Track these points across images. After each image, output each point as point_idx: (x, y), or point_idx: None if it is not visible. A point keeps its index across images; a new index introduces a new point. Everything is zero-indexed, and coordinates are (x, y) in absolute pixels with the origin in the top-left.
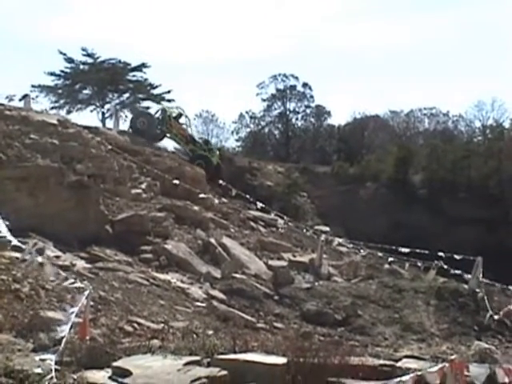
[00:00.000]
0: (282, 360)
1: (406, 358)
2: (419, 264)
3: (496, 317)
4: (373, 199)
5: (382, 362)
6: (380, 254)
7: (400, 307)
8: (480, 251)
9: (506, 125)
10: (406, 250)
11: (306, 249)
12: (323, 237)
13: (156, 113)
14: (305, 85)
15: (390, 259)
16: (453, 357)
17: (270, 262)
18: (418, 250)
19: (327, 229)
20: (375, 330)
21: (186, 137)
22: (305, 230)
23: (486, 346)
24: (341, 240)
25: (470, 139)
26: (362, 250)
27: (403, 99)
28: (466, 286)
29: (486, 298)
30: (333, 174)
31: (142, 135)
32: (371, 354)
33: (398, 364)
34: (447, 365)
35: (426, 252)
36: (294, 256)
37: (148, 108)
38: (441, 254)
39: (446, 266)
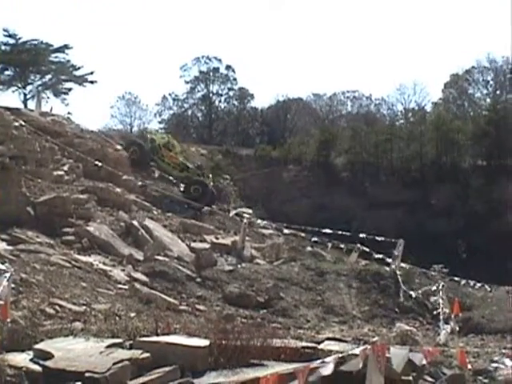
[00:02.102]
0: (204, 342)
1: (327, 341)
2: (341, 246)
3: (413, 294)
4: (295, 182)
5: (304, 344)
6: (303, 236)
7: (322, 289)
8: (401, 234)
9: (428, 108)
10: (329, 232)
11: (228, 231)
12: (246, 219)
13: (147, 142)
14: (228, 67)
15: (313, 239)
16: (374, 339)
17: (193, 245)
18: (340, 233)
19: (250, 211)
20: (297, 313)
21: (178, 164)
22: (227, 213)
23: (407, 327)
24: (263, 222)
25: (392, 122)
26: (284, 232)
27: (326, 82)
28: (387, 268)
29: (404, 279)
30: (256, 156)
31: (136, 164)
32: (293, 336)
33: (320, 346)
34: (369, 347)
35: (348, 234)
36: (217, 238)
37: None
38: (363, 236)
39: (367, 249)
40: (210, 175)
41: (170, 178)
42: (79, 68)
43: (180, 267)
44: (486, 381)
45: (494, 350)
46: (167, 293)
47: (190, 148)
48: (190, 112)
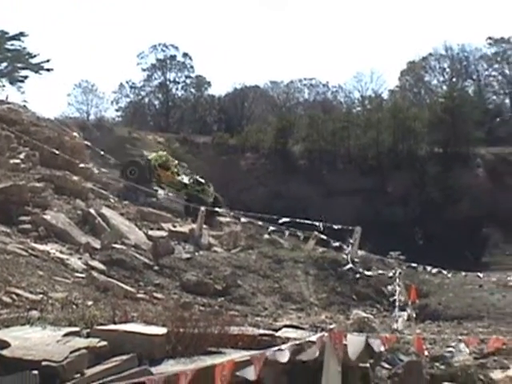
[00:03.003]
0: (161, 330)
1: (285, 328)
2: (299, 234)
3: (363, 271)
4: (253, 169)
5: (261, 331)
6: (260, 224)
7: (280, 277)
8: (358, 221)
9: (385, 96)
10: (286, 220)
11: (186, 219)
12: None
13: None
14: (185, 55)
15: (270, 229)
16: (331, 326)
17: (150, 233)
18: (297, 220)
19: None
20: (255, 300)
21: (176, 183)
22: (185, 200)
23: (364, 314)
24: (221, 210)
25: (349, 110)
26: (242, 220)
27: (283, 70)
28: (344, 256)
29: (356, 263)
30: (213, 144)
31: (134, 183)
32: (251, 324)
33: (278, 333)
34: (326, 334)
35: (306, 222)
36: (174, 226)
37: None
38: (320, 223)
39: (325, 236)
40: (211, 187)
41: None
42: (35, 56)
43: (137, 255)
44: (442, 367)
45: (450, 337)
46: (124, 281)
47: (147, 136)
48: (147, 100)
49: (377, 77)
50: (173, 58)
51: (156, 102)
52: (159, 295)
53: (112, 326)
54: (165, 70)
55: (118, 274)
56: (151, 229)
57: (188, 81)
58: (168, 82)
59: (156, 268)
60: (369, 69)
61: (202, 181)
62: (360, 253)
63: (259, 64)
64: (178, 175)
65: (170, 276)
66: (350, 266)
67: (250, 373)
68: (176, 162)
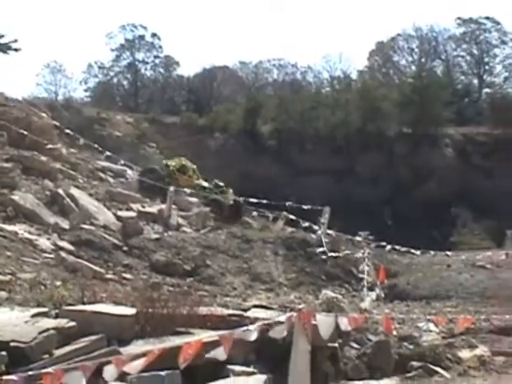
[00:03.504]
0: (130, 311)
1: (254, 308)
2: (268, 214)
3: (331, 254)
4: (222, 150)
5: (230, 311)
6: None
7: (249, 257)
8: (327, 201)
9: (354, 76)
10: (255, 201)
11: (155, 199)
12: (172, 188)
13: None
14: (154, 35)
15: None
16: (300, 306)
17: (119, 213)
18: (266, 201)
19: None
20: (224, 280)
21: (194, 187)
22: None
23: (333, 295)
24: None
25: (318, 90)
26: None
27: (252, 50)
28: (313, 236)
29: (325, 243)
30: (182, 124)
31: (151, 191)
32: (220, 304)
33: (247, 314)
34: (295, 314)
35: (275, 202)
36: (143, 207)
37: None
38: (289, 204)
39: (294, 216)
40: (231, 190)
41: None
42: (2, 36)
43: (106, 236)
44: (411, 347)
45: (419, 316)
46: (93, 261)
47: (115, 116)
48: (115, 80)
49: (345, 57)
50: (141, 38)
51: (125, 83)
52: (128, 276)
53: (81, 307)
54: (133, 50)
55: (87, 255)
56: (120, 209)
57: (157, 61)
58: (137, 63)
59: (125, 248)
60: (338, 49)
61: (221, 184)
62: (329, 232)
63: (228, 44)
64: (197, 179)
65: (138, 256)
66: (322, 249)
67: (220, 353)
68: (194, 166)
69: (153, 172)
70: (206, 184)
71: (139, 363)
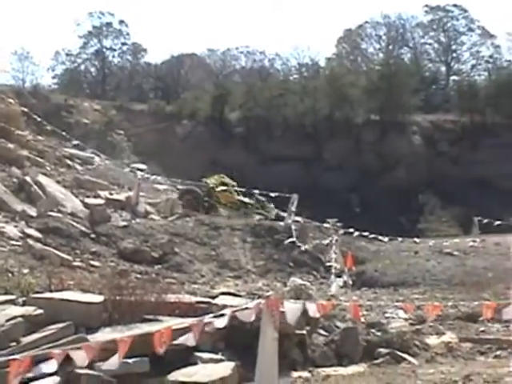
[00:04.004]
0: (98, 298)
1: (222, 295)
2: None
3: (307, 247)
4: (189, 137)
5: (198, 299)
6: (197, 191)
7: (217, 244)
8: (295, 189)
9: (322, 63)
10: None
11: (122, 187)
12: (140, 175)
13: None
14: (121, 22)
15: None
16: (268, 293)
17: (87, 200)
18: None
19: (144, 167)
20: (192, 268)
21: (235, 202)
22: (122, 168)
23: (301, 282)
24: (158, 178)
25: (286, 78)
26: (179, 187)
27: (220, 37)
28: (281, 223)
29: (293, 230)
30: (150, 111)
31: (192, 210)
32: (188, 292)
33: (215, 301)
34: (263, 301)
35: (243, 190)
36: (111, 194)
37: None
38: (257, 191)
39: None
40: (272, 204)
41: None
42: None
43: (74, 223)
44: (378, 333)
45: (386, 303)
46: (61, 249)
47: (83, 103)
48: (83, 67)
49: (314, 44)
50: (109, 24)
51: (92, 70)
52: (96, 263)
53: (48, 294)
54: (101, 38)
55: (55, 242)
56: (87, 196)
57: (124, 48)
58: (104, 50)
59: (92, 236)
60: (306, 36)
61: (262, 199)
62: (297, 220)
63: (196, 32)
64: (238, 195)
65: (106, 244)
66: (292, 239)
67: (190, 339)
68: (234, 183)
69: (191, 192)
70: (247, 200)
71: (115, 359)
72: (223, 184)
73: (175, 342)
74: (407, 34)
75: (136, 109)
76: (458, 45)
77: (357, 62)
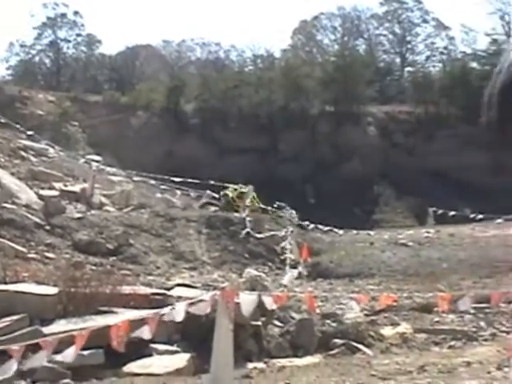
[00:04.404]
0: (53, 290)
1: (177, 287)
2: (191, 193)
3: (258, 235)
4: (145, 128)
5: (153, 290)
6: (152, 183)
7: (172, 236)
8: (251, 180)
9: (277, 55)
10: (178, 180)
11: (77, 178)
12: (95, 166)
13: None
14: (75, 13)
15: (163, 186)
16: (224, 285)
17: (41, 192)
18: (190, 180)
19: (99, 158)
20: (147, 259)
21: (256, 210)
22: (76, 160)
23: (257, 273)
24: (113, 169)
25: (242, 69)
26: (134, 179)
27: (175, 29)
28: (237, 215)
29: (248, 221)
30: (104, 103)
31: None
32: (143, 283)
33: (170, 292)
34: (218, 293)
35: (198, 181)
36: (66, 186)
37: None
38: (212, 182)
39: (217, 195)
40: (292, 211)
41: None
42: None
43: (28, 215)
44: (334, 324)
45: (341, 294)
46: (15, 241)
47: (37, 95)
48: (37, 58)
49: (269, 36)
50: (63, 15)
51: (47, 61)
52: (50, 255)
53: (2, 286)
54: (55, 29)
55: (9, 234)
56: (42, 188)
57: (79, 39)
58: (59, 41)
59: (47, 227)
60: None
61: (284, 205)
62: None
63: (151, 23)
64: (258, 203)
65: (61, 235)
66: (247, 230)
67: (146, 333)
68: (254, 194)
69: (210, 205)
70: (267, 209)
71: (70, 351)
72: (242, 194)
73: (131, 335)
74: (362, 25)
75: (91, 100)
76: (412, 36)
77: (312, 53)
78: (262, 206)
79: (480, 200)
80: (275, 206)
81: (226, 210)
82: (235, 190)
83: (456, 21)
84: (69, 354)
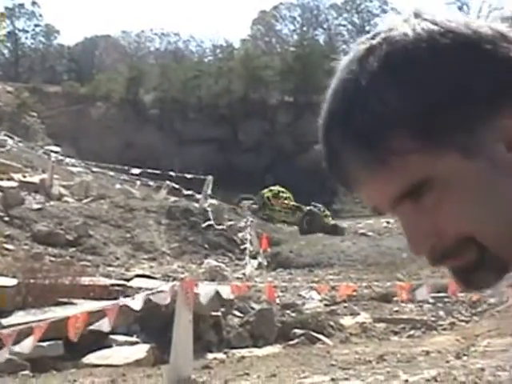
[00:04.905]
0: (12, 281)
1: (137, 278)
2: (150, 183)
3: (219, 227)
4: (104, 119)
5: (113, 281)
6: (112, 174)
7: (132, 227)
8: (210, 170)
9: (236, 45)
10: (138, 171)
11: (36, 169)
12: (54, 157)
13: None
14: (33, 3)
15: (122, 177)
16: (183, 275)
17: (0, 183)
18: (149, 170)
19: (58, 149)
20: (107, 250)
21: (290, 208)
22: (35, 151)
23: (216, 263)
24: (72, 160)
25: (201, 59)
26: (93, 170)
27: (135, 19)
28: (196, 205)
29: (208, 212)
30: (63, 93)
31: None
32: (103, 274)
33: (130, 283)
34: (178, 283)
35: (158, 172)
36: (25, 177)
37: None
38: (172, 173)
39: (177, 186)
40: (326, 210)
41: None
42: None
43: None
44: (293, 314)
45: (301, 284)
46: None
47: None
48: None
49: (228, 26)
50: (21, 6)
51: (5, 51)
52: (9, 246)
53: None
54: (13, 19)
55: None
56: (1, 179)
57: (37, 29)
58: (17, 31)
59: (6, 219)
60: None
61: (319, 205)
62: (212, 202)
63: (110, 13)
64: (291, 202)
65: (20, 227)
66: (208, 222)
67: (105, 325)
68: (288, 194)
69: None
70: (300, 205)
71: (28, 343)
72: (278, 193)
73: (90, 328)
74: (322, 15)
75: (50, 91)
76: (371, 26)
77: (271, 43)
78: (296, 204)
79: None
80: (312, 204)
81: (263, 209)
82: (271, 190)
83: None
84: (27, 345)
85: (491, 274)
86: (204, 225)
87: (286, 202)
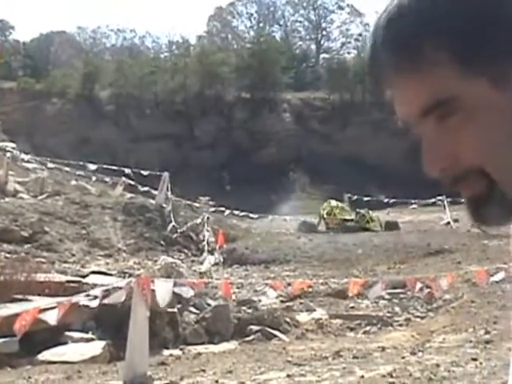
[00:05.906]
0: None
1: (93, 274)
2: (106, 180)
3: (180, 230)
4: (59, 115)
5: (69, 278)
6: (67, 170)
7: (87, 223)
8: (166, 166)
9: (193, 41)
10: (94, 166)
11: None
12: (9, 153)
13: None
14: None
15: (78, 173)
16: (139, 272)
17: None
18: (105, 166)
19: (13, 145)
20: (62, 247)
21: (340, 223)
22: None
23: (172, 260)
24: (27, 156)
25: (157, 55)
26: (49, 166)
27: (90, 15)
28: (152, 202)
29: (171, 211)
30: (19, 90)
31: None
32: (58, 271)
33: (85, 280)
34: (134, 280)
35: (114, 168)
36: None
37: None
38: (128, 169)
39: (133, 182)
40: (377, 217)
41: None
42: None
43: None
44: (249, 311)
45: (257, 281)
46: None
47: None
48: None
49: (184, 22)
50: None
51: None
52: None
53: None
54: None
55: None
56: None
57: None
58: None
59: None
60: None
61: (362, 212)
62: (169, 198)
63: (65, 9)
64: (342, 215)
65: None
66: (171, 224)
67: (52, 317)
68: (341, 204)
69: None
70: (349, 217)
71: None
72: (331, 210)
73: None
74: (278, 11)
75: (4, 87)
76: (327, 23)
77: (228, 39)
78: (348, 217)
79: (393, 185)
80: (360, 213)
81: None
82: (326, 207)
83: (370, 8)
84: None
85: (500, 210)
86: (169, 228)
87: (335, 216)
